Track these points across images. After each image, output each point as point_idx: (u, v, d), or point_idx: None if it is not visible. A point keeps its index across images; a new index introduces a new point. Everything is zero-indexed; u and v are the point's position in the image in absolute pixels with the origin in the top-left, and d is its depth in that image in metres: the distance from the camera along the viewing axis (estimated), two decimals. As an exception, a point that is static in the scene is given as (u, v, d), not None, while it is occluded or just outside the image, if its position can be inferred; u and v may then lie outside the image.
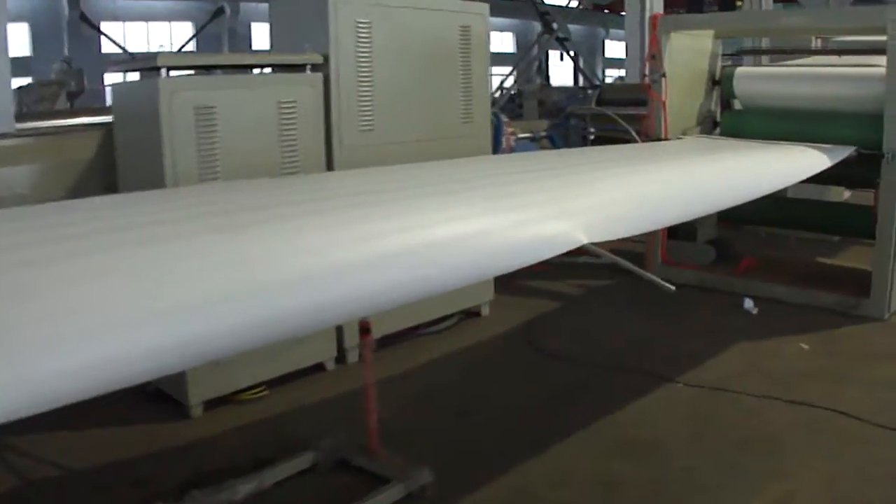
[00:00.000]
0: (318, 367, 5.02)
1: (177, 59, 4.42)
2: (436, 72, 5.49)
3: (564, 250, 2.76)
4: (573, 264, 6.72)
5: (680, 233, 6.89)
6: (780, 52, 7.48)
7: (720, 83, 6.99)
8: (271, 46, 5.64)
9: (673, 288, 3.02)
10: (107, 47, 22.20)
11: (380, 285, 2.17)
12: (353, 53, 4.97)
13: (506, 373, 5.08)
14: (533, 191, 3.18)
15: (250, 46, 28.92)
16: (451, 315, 5.88)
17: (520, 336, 5.70)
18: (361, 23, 4.98)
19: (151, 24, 27.37)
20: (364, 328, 3.85)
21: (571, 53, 15.24)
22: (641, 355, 5.23)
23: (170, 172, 4.19)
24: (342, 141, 4.99)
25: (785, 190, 7.80)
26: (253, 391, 4.66)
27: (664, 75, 6.49)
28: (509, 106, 16.94)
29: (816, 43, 8.29)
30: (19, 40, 24.35)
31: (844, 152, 5.53)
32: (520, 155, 5.79)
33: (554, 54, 20.18)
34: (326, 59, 4.86)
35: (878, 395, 4.43)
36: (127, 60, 4.51)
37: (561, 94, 17.10)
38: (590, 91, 11.05)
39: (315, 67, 4.87)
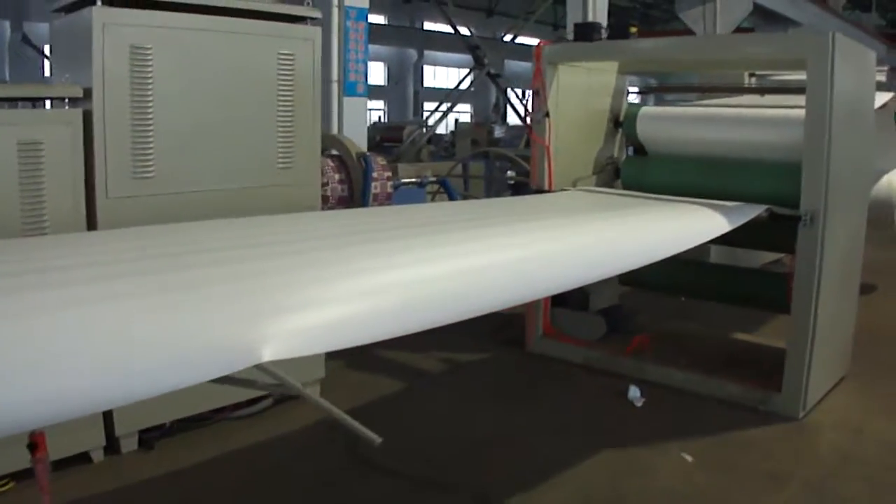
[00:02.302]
0: (84, 457, 4.01)
1: None
2: (243, 108, 4.40)
3: (232, 370, 1.91)
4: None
5: (568, 299, 5.78)
6: (694, 90, 6.47)
7: (623, 125, 5.93)
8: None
9: (379, 440, 1.97)
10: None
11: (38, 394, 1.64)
12: (128, 85, 3.92)
13: (292, 484, 3.91)
14: (271, 271, 2.43)
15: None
16: (266, 396, 4.73)
17: (339, 428, 4.52)
18: (139, 49, 3.92)
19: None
20: (33, 443, 2.80)
21: (514, 91, 14.37)
22: (474, 464, 4.11)
23: None
24: (108, 192, 3.93)
25: (707, 253, 6.84)
26: (-7, 484, 3.67)
27: (548, 115, 5.42)
28: (443, 145, 16.03)
29: (751, 81, 7.30)
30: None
31: (752, 212, 4.49)
32: (347, 213, 4.66)
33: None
34: (89, 91, 3.83)
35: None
36: None
37: (510, 133, 16.19)
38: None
39: (76, 102, 3.86)
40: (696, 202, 4.53)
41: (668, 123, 5.65)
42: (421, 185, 7.30)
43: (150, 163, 4.04)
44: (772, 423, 4.52)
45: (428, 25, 30.36)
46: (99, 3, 3.78)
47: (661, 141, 5.68)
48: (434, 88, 32.19)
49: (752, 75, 7.13)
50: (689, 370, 5.06)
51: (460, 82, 13.60)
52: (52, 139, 3.70)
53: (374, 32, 28.83)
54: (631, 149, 6.17)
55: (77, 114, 3.81)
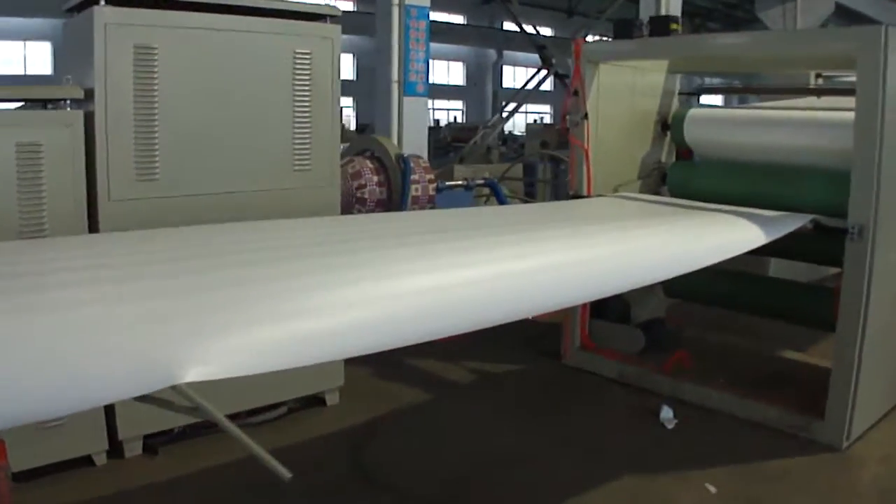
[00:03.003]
0: (87, 461, 3.96)
1: None
2: (255, 109, 4.29)
3: (144, 392, 1.82)
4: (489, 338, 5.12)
5: (608, 310, 5.52)
6: (747, 91, 6.08)
7: (671, 128, 5.63)
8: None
9: (288, 475, 1.96)
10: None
11: None
12: (131, 86, 3.85)
13: (293, 499, 3.75)
14: (222, 283, 2.32)
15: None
16: (283, 403, 4.64)
17: (351, 440, 4.39)
18: (144, 49, 3.85)
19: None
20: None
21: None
22: (488, 484, 3.92)
23: None
24: (111, 194, 3.87)
25: (766, 265, 6.46)
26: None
27: (586, 116, 5.17)
28: (513, 146, 15.77)
29: (818, 82, 6.84)
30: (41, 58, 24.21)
31: (795, 223, 4.19)
32: (358, 218, 4.51)
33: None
34: (90, 92, 3.78)
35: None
36: None
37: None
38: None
39: (79, 103, 3.81)
40: (736, 211, 4.24)
41: (716, 126, 5.33)
42: (468, 187, 7.11)
43: (155, 165, 3.97)
44: (811, 453, 4.18)
45: (508, 25, 30.09)
46: (102, 2, 3.72)
47: (710, 145, 5.37)
48: (513, 89, 31.97)
49: (818, 76, 6.70)
50: (727, 390, 4.74)
51: (526, 83, 13.34)
52: (52, 141, 3.65)
53: (453, 32, 28.83)
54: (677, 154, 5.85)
55: (77, 115, 3.75)
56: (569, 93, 5.26)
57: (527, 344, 5.94)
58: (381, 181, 6.16)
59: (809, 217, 4.28)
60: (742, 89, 7.01)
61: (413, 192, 6.23)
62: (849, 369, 4.20)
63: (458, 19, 30.15)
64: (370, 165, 6.13)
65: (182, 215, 3.84)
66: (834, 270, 6.99)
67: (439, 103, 31.51)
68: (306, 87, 4.47)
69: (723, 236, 3.89)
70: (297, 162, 4.49)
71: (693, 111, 5.49)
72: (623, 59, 5.27)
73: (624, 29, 5.03)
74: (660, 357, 5.22)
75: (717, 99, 24.46)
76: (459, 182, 7.04)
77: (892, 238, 4.26)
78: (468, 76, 32.98)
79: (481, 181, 7.23)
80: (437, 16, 29.85)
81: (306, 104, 4.48)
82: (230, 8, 4.14)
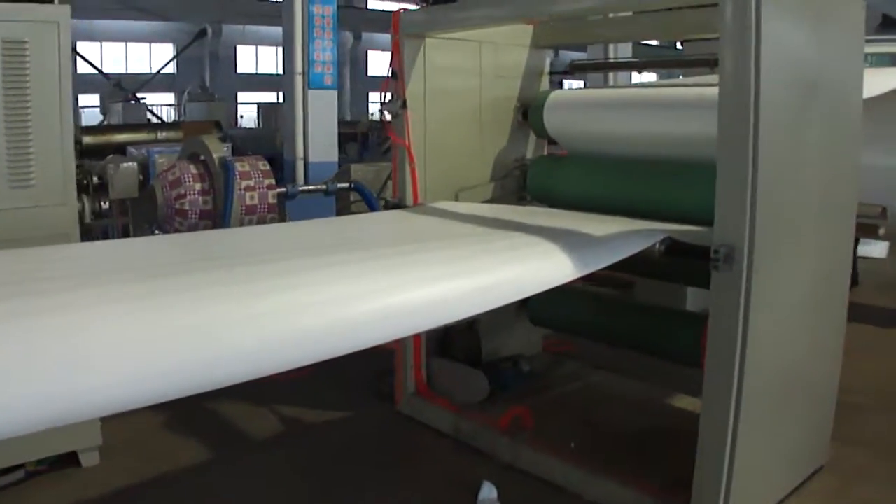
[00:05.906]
0: None
1: None
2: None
3: None
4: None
5: (452, 345, 4.40)
6: (635, 68, 4.94)
7: (528, 116, 4.50)
8: None
9: None
10: (83, 68, 20.43)
11: None
12: None
13: None
14: None
15: (235, 70, 27.36)
16: (20, 466, 3.64)
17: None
18: None
19: (130, 44, 25.97)
20: None
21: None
22: None
23: None
24: None
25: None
26: None
27: (405, 105, 4.04)
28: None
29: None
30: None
31: (637, 244, 3.06)
32: (101, 245, 3.39)
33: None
34: None
35: None
36: None
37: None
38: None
39: None
40: (564, 230, 3.12)
41: (578, 112, 4.19)
42: (328, 192, 6.01)
43: None
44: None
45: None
46: None
47: (573, 135, 4.25)
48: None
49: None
50: (575, 460, 3.60)
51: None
52: None
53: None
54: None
55: None
56: (388, 76, 4.13)
57: (369, 382, 4.81)
58: (206, 189, 5.11)
59: (662, 234, 3.15)
60: (623, 65, 5.83)
61: (248, 201, 5.19)
62: (720, 435, 3.04)
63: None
64: (193, 171, 5.09)
65: None
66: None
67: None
68: (21, 85, 3.48)
69: (526, 265, 2.78)
70: (13, 177, 3.51)
71: (554, 94, 4.37)
72: (448, 30, 4.12)
73: (442, -11, 3.89)
74: (498, 411, 4.06)
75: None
76: (314, 187, 5.94)
77: (786, 259, 3.12)
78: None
79: (345, 184, 6.11)
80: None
81: (22, 106, 3.50)
82: None
